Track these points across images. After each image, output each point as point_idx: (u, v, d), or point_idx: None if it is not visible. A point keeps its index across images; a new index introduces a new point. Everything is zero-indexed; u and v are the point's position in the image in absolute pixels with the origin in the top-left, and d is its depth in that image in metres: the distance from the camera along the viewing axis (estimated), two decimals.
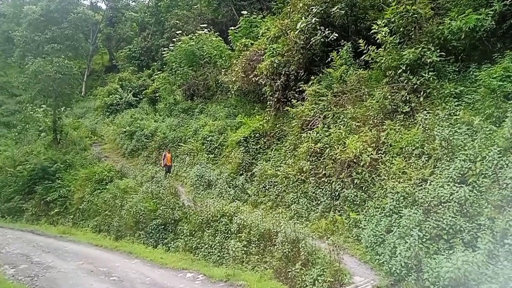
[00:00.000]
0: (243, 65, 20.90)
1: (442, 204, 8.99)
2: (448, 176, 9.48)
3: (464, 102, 11.43)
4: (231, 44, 26.61)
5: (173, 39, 29.99)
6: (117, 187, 20.11)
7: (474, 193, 8.79)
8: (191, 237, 14.36)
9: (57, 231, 18.86)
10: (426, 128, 11.13)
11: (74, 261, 13.36)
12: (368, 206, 11.30)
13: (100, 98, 39.64)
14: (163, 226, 15.90)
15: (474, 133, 10.11)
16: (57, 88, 27.90)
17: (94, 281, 11.15)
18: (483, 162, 9.00)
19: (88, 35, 49.45)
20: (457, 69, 12.42)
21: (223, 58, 26.29)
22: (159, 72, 33.73)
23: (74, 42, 41.31)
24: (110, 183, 21.29)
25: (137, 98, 37.07)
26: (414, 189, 10.06)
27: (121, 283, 10.93)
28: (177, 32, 30.32)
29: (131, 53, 43.65)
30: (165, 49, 31.22)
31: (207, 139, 21.82)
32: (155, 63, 40.03)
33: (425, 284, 7.92)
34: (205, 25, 29.91)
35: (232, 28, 26.48)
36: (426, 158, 10.65)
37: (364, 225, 10.87)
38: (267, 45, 19.36)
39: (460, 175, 9.33)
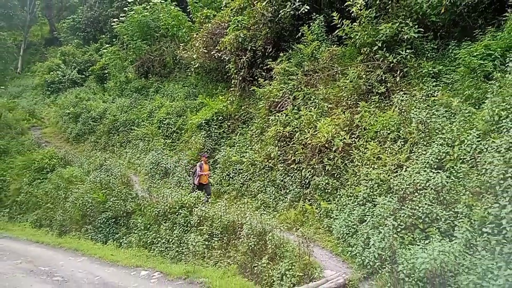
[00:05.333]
0: (204, 39, 20.66)
1: (418, 192, 9.21)
2: (425, 162, 9.71)
3: (442, 83, 11.69)
4: (190, 16, 26.18)
5: (124, 8, 29.26)
6: (60, 177, 19.71)
7: (452, 179, 9.01)
8: (146, 231, 14.21)
9: None
10: (402, 110, 11.34)
11: (10, 260, 12.88)
12: (340, 195, 11.49)
13: (39, 75, 38.71)
14: (113, 220, 15.72)
15: (452, 115, 10.35)
16: None
17: (34, 281, 10.79)
18: (461, 147, 9.24)
19: (24, 2, 47.29)
20: (435, 47, 12.68)
21: (183, 31, 25.85)
22: (108, 46, 32.98)
23: (8, 10, 39.56)
24: (52, 172, 20.91)
25: (83, 76, 36.35)
26: (389, 175, 10.28)
27: (66, 284, 10.64)
28: (129, 0, 29.55)
29: (75, 24, 42.40)
30: (115, 19, 30.49)
31: (164, 122, 21.66)
32: (104, 36, 39.12)
33: (400, 276, 8.10)
34: None
35: None
36: (402, 143, 10.89)
37: (336, 215, 11.04)
38: (231, 17, 19.16)
39: (437, 161, 9.57)
